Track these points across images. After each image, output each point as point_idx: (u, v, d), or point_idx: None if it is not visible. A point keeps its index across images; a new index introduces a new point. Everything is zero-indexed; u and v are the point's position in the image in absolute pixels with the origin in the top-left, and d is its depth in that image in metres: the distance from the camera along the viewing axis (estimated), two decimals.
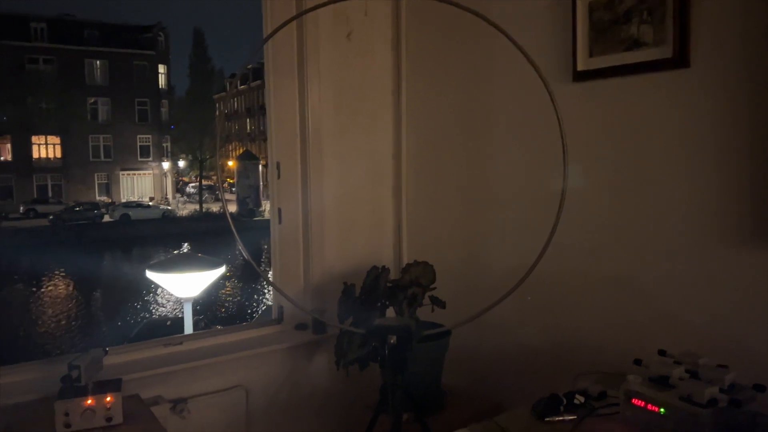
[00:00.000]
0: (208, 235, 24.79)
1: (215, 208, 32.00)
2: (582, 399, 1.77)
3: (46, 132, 29.76)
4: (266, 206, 31.90)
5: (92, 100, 31.28)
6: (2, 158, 29.51)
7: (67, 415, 1.90)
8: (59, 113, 28.67)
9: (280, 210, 3.07)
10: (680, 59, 2.01)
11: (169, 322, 13.93)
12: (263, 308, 15.79)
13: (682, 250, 2.11)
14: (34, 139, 29.94)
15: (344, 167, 3.11)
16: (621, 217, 2.28)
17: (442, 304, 2.54)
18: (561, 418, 1.70)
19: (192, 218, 29.47)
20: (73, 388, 1.94)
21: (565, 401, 1.74)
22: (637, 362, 1.73)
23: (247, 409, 2.86)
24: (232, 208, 31.67)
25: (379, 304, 2.50)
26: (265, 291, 17.75)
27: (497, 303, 2.20)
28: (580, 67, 2.31)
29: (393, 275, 2.75)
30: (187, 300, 5.13)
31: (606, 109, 2.32)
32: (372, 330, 1.94)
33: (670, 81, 2.09)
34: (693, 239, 2.08)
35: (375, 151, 3.22)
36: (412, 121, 3.19)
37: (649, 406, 1.59)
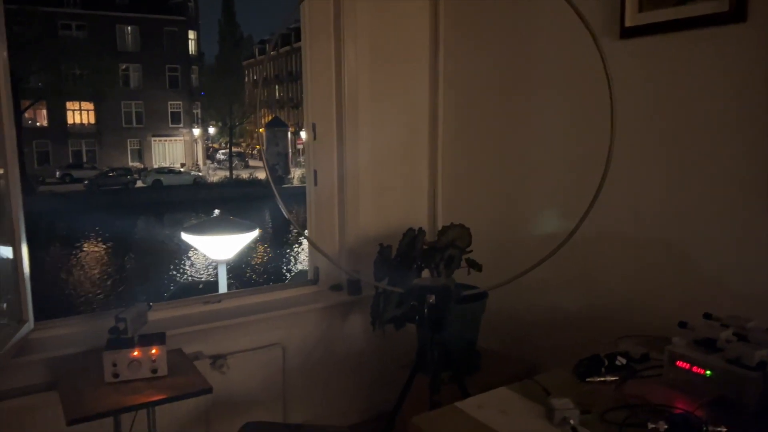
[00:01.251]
0: (238, 202, 25.10)
1: (245, 174, 32.22)
2: (624, 361, 1.75)
3: (79, 98, 30.19)
4: (295, 173, 32.07)
5: (124, 66, 31.56)
6: (38, 124, 30.13)
7: (114, 365, 1.96)
8: (92, 79, 29.00)
9: (315, 172, 3.07)
10: (737, 13, 1.92)
11: (201, 286, 14.25)
12: (292, 274, 16.01)
13: (729, 213, 2.05)
14: (69, 105, 30.45)
15: (380, 128, 3.09)
16: (667, 178, 2.22)
17: (478, 267, 2.53)
18: (603, 379, 1.69)
19: (222, 185, 29.77)
20: (120, 340, 1.99)
21: (606, 362, 1.73)
22: (682, 325, 1.70)
23: (283, 366, 2.92)
24: (261, 175, 31.90)
25: (415, 265, 2.50)
26: (293, 257, 17.97)
27: (537, 265, 2.19)
28: (628, 23, 2.22)
29: (428, 237, 2.75)
30: (221, 262, 5.21)
31: (653, 68, 2.24)
32: (411, 289, 1.94)
33: (724, 36, 2.00)
34: (741, 202, 2.02)
35: (411, 111, 3.18)
36: (449, 81, 3.13)
37: (695, 369, 1.57)
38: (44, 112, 30.47)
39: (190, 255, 17.14)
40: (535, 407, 1.56)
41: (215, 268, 15.40)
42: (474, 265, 2.52)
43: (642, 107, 2.27)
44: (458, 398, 1.71)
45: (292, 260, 17.69)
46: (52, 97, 29.10)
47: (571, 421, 1.42)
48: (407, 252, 2.53)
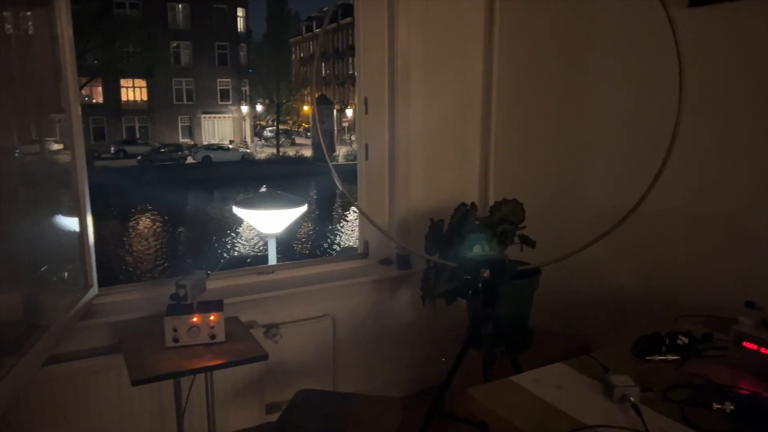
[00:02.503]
0: (284, 178, 25.42)
1: (291, 152, 32.57)
2: (686, 340, 1.70)
3: (133, 75, 31.00)
4: (340, 151, 32.18)
5: (175, 44, 32.12)
6: (94, 101, 31.11)
7: (175, 330, 2.03)
8: (144, 57, 29.70)
9: (367, 146, 3.07)
10: None
11: (249, 260, 14.59)
12: (337, 250, 16.19)
13: None
14: (123, 82, 31.26)
15: (432, 102, 3.05)
16: (732, 152, 2.12)
17: (531, 243, 2.50)
18: (663, 358, 1.65)
19: (269, 161, 30.16)
20: (180, 306, 2.06)
21: (667, 341, 1.68)
22: (750, 305, 1.64)
23: (334, 337, 2.97)
24: (307, 152, 32.17)
25: (465, 240, 2.48)
26: (336, 233, 18.14)
27: (594, 242, 2.14)
28: None
29: (480, 213, 2.72)
30: (270, 236, 5.31)
31: (723, 37, 2.13)
32: (464, 264, 1.93)
33: None
34: None
35: (464, 84, 3.13)
36: (504, 51, 3.06)
37: (762, 350, 1.51)
38: (100, 89, 31.40)
39: (238, 230, 17.52)
40: (592, 383, 1.54)
41: (262, 242, 15.76)
42: (527, 242, 2.48)
43: (708, 78, 2.16)
44: (510, 373, 1.70)
45: (337, 237, 17.86)
46: (107, 75, 29.93)
47: (632, 399, 1.39)
48: (459, 227, 2.51)
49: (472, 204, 2.52)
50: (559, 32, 2.77)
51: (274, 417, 2.83)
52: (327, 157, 2.57)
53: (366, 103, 3.00)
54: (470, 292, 1.96)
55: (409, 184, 3.07)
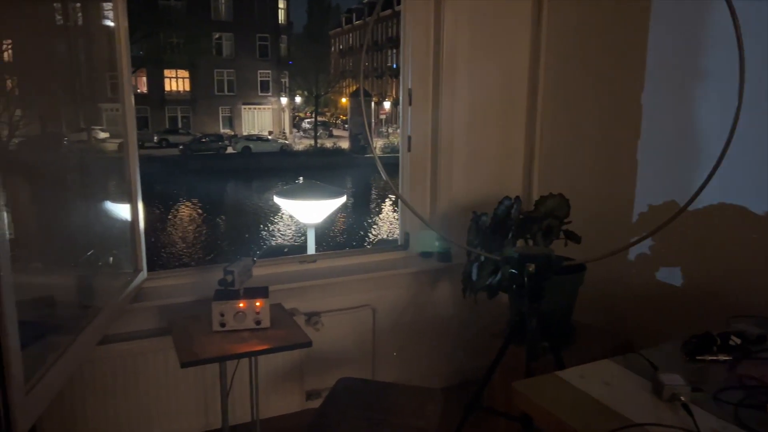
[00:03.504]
0: (321, 170, 25.59)
1: (329, 143, 32.75)
2: (738, 341, 1.65)
3: (176, 66, 31.64)
4: (377, 143, 32.19)
5: (217, 36, 32.63)
6: (139, 91, 31.87)
7: (222, 315, 2.08)
8: (188, 48, 30.29)
9: (410, 137, 3.07)
10: None
11: (286, 249, 14.78)
12: (373, 242, 16.24)
13: None
14: (166, 72, 31.92)
15: (476, 93, 3.03)
16: None
17: (577, 239, 2.46)
18: (714, 358, 1.61)
19: (307, 153, 30.38)
20: (227, 291, 2.11)
21: (719, 341, 1.64)
22: None
23: (373, 327, 3.00)
24: (344, 144, 32.29)
25: (510, 235, 2.46)
26: (372, 226, 18.19)
27: (643, 239, 2.10)
28: None
29: (523, 207, 2.69)
30: (310, 226, 5.37)
31: None
32: (509, 258, 1.91)
33: None
34: None
35: (509, 76, 3.10)
36: (552, 44, 3.01)
37: None
38: (144, 79, 32.12)
39: (275, 220, 17.75)
40: (640, 381, 1.51)
41: (298, 232, 15.91)
42: (572, 237, 2.45)
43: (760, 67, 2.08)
44: (552, 369, 1.68)
45: (372, 230, 17.92)
46: (151, 65, 30.58)
47: (682, 398, 1.37)
48: (502, 221, 2.50)
49: (517, 197, 2.50)
50: (608, 25, 2.72)
51: (314, 404, 2.89)
52: (373, 149, 2.59)
53: (410, 95, 3.00)
54: (514, 286, 1.94)
55: (452, 177, 3.06)
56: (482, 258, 2.43)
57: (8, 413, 1.34)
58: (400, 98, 3.09)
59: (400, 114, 3.13)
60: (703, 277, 2.34)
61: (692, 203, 2.00)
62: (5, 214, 1.35)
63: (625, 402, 1.41)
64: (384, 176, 2.29)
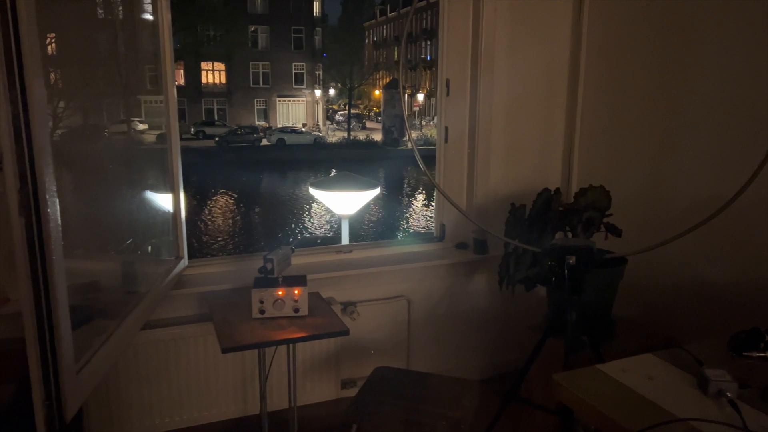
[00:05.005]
0: (354, 162, 25.67)
1: (362, 136, 32.82)
2: None
3: (213, 59, 32.14)
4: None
5: (253, 29, 32.98)
6: (176, 83, 32.34)
7: (261, 302, 2.11)
8: (224, 40, 30.74)
9: (447, 128, 3.06)
10: None
11: (318, 240, 14.91)
12: (405, 235, 16.25)
13: None
14: (203, 65, 32.48)
15: (515, 84, 3.00)
16: None
17: (617, 232, 2.42)
18: (762, 354, 1.57)
19: (340, 145, 30.51)
20: (266, 279, 2.14)
21: (767, 337, 1.60)
22: None
23: (408, 318, 3.00)
24: (377, 137, 32.31)
25: (549, 227, 2.43)
26: (404, 219, 18.16)
27: (687, 232, 2.04)
28: None
29: (563, 199, 2.65)
30: (344, 217, 5.40)
31: None
32: (550, 249, 1.89)
33: None
34: None
35: (550, 66, 3.05)
36: (593, 33, 2.95)
37: None
38: (181, 71, 32.67)
39: (308, 212, 17.90)
40: (685, 376, 1.48)
41: (330, 223, 16.01)
42: (613, 230, 2.41)
43: None
44: (590, 363, 1.66)
45: (404, 223, 17.92)
46: (189, 58, 31.09)
47: (729, 394, 1.33)
48: (541, 213, 2.47)
49: (557, 189, 2.47)
50: (653, 13, 2.64)
51: (349, 392, 2.91)
52: (411, 141, 2.58)
53: (448, 86, 2.98)
54: (554, 278, 1.92)
55: (489, 168, 3.04)
56: (520, 250, 2.41)
57: (59, 394, 1.39)
58: (437, 89, 3.08)
59: (438, 105, 3.12)
60: (749, 272, 2.27)
61: (742, 195, 1.94)
62: (57, 201, 1.40)
63: (668, 397, 1.39)
64: (422, 166, 2.29)
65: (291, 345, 2.25)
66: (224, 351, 1.91)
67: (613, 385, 1.46)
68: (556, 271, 1.90)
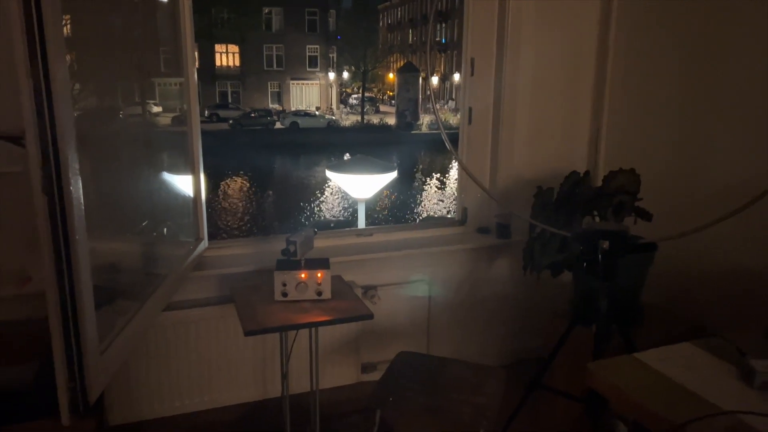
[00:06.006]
0: (368, 146, 25.55)
1: (375, 119, 32.65)
2: None
3: (226, 41, 32.03)
4: (424, 120, 31.91)
5: (266, 11, 32.77)
6: None
7: (284, 285, 2.08)
8: (238, 23, 30.58)
9: (470, 109, 2.98)
10: None
11: (332, 225, 14.89)
12: (419, 219, 16.20)
13: None
14: (217, 47, 32.40)
15: (541, 63, 2.91)
16: None
17: (648, 216, 2.35)
18: None
19: (353, 129, 30.37)
20: (289, 262, 2.10)
21: None
22: None
23: (429, 302, 2.96)
24: (391, 120, 32.11)
25: (577, 211, 2.37)
26: (417, 203, 18.09)
27: (723, 219, 1.97)
28: None
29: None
30: (361, 200, 5.36)
31: None
32: (581, 234, 1.83)
33: None
34: None
35: (577, 44, 2.95)
36: (624, 9, 2.85)
37: None
38: (196, 54, 32.59)
39: (322, 196, 17.88)
40: (726, 366, 1.43)
41: (342, 207, 15.97)
42: (643, 215, 2.34)
43: None
44: (619, 352, 1.61)
45: (417, 207, 17.87)
46: (202, 40, 31.00)
47: None
48: (569, 196, 2.40)
49: (586, 172, 2.40)
50: None
51: (369, 377, 2.89)
52: (440, 122, 2.52)
53: (472, 65, 2.90)
54: (585, 264, 1.86)
55: (513, 150, 2.97)
56: (547, 234, 2.35)
57: (83, 377, 1.37)
58: (462, 68, 3.00)
59: (461, 85, 3.05)
60: None
61: None
62: (80, 180, 1.36)
63: (710, 387, 1.34)
64: (448, 145, 2.23)
65: (313, 329, 2.22)
66: (247, 334, 1.88)
67: (652, 374, 1.41)
68: (587, 257, 1.84)
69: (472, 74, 2.92)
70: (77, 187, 1.34)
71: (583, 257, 1.85)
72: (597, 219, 2.36)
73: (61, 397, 1.34)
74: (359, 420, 2.65)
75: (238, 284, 2.30)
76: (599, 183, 2.45)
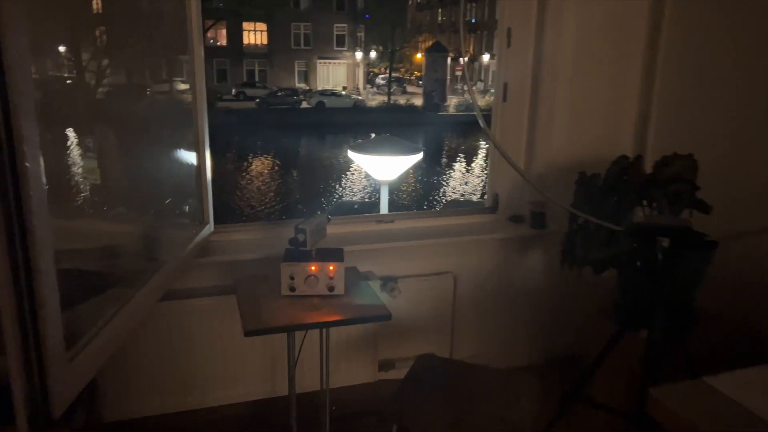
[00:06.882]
0: (393, 127, 25.15)
1: (402, 100, 32.16)
2: None
3: (254, 19, 31.77)
4: (451, 101, 31.39)
5: None
6: (219, 43, 32.25)
7: (292, 278, 1.85)
8: (266, 1, 30.28)
9: (506, 85, 2.70)
10: None
11: (356, 206, 14.67)
12: (443, 203, 15.89)
13: None
14: (245, 25, 32.16)
15: (585, 33, 2.60)
16: None
17: (706, 209, 2.05)
18: None
19: (380, 109, 29.93)
20: (298, 252, 1.87)
21: None
22: None
23: (454, 296, 2.72)
24: (417, 101, 31.61)
25: (626, 201, 2.08)
26: (443, 186, 17.75)
27: None
28: None
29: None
30: (384, 183, 5.10)
31: None
32: (636, 228, 1.56)
33: None
34: None
35: (627, 13, 2.63)
36: None
37: None
38: (224, 32, 32.42)
39: (347, 176, 17.67)
40: None
41: (368, 188, 15.75)
42: (702, 207, 2.04)
43: None
44: (677, 363, 1.35)
45: (442, 190, 17.55)
46: (231, 18, 30.81)
47: None
48: (616, 183, 2.11)
49: (638, 156, 2.11)
50: None
51: (387, 375, 2.67)
52: (474, 101, 2.24)
53: (509, 35, 2.61)
54: (638, 262, 1.59)
55: (552, 131, 2.68)
56: (592, 226, 2.07)
57: (45, 385, 1.16)
58: (497, 40, 2.71)
59: (497, 58, 2.76)
60: None
61: None
62: (41, 158, 1.14)
63: None
64: (482, 124, 1.97)
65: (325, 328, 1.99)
66: (247, 334, 1.67)
67: (728, 405, 1.15)
68: (641, 254, 1.57)
69: (508, 45, 2.64)
70: (36, 163, 1.12)
71: (637, 254, 1.58)
72: (647, 211, 2.07)
73: (18, 410, 1.14)
74: (374, 422, 2.43)
75: (242, 274, 2.09)
76: (649, 170, 2.16)
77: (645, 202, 2.09)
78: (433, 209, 14.20)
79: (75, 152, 2.04)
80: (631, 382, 2.17)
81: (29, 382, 1.14)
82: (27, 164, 1.08)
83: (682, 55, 2.59)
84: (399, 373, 2.70)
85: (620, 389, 2.22)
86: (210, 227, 2.40)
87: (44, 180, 1.15)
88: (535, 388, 1.81)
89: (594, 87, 2.69)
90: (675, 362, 1.85)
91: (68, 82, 2.00)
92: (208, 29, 30.06)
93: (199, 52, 2.26)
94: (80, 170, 2.14)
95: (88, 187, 2.17)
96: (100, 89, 2.11)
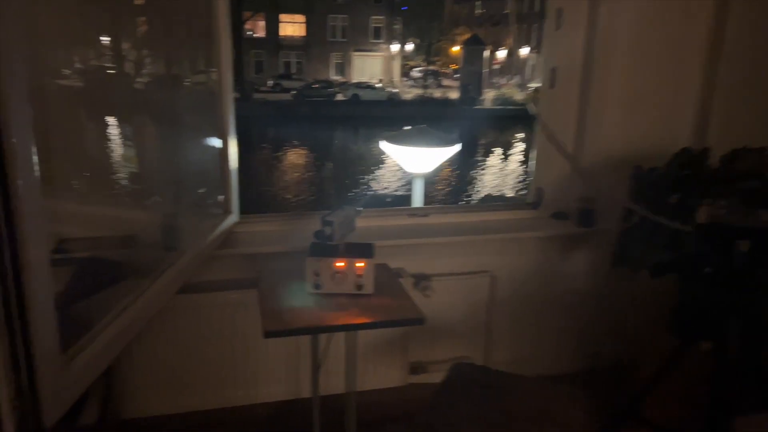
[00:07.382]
0: (428, 121, 24.86)
1: (437, 93, 31.79)
2: None
3: (292, 11, 31.81)
4: (487, 95, 30.92)
5: None
6: (256, 35, 32.41)
7: (317, 275, 1.70)
8: None
9: (554, 70, 2.50)
10: None
11: (389, 199, 14.48)
12: (479, 198, 15.63)
13: None
14: (282, 17, 32.23)
15: (643, 14, 2.38)
16: None
17: None
18: None
19: (415, 103, 29.59)
20: (325, 246, 1.71)
21: None
22: None
23: (490, 297, 2.54)
24: (453, 94, 31.19)
25: (691, 198, 1.86)
26: (477, 182, 17.43)
27: None
28: None
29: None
30: (418, 176, 4.92)
31: None
32: (708, 228, 1.36)
33: None
34: None
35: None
36: None
37: None
38: (261, 23, 32.57)
39: (379, 170, 17.54)
40: None
41: (403, 182, 15.57)
42: None
43: None
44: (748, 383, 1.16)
45: (477, 186, 17.26)
46: (269, 9, 30.93)
47: None
48: (679, 179, 1.90)
49: (704, 149, 1.89)
50: None
51: (419, 378, 2.52)
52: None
53: (558, 15, 2.41)
54: (707, 268, 1.39)
55: (603, 120, 2.47)
56: (650, 225, 1.86)
57: (35, 390, 1.03)
58: (545, 22, 2.50)
59: (544, 41, 2.55)
60: None
61: None
62: (32, 136, 1.01)
63: None
64: (531, 111, 1.77)
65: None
66: (266, 336, 1.52)
67: None
68: (713, 260, 1.37)
69: (558, 27, 2.43)
70: (26, 145, 0.98)
71: (708, 258, 1.38)
72: (713, 210, 1.85)
73: (5, 416, 1.02)
74: (403, 429, 2.27)
75: (266, 268, 1.95)
76: (716, 164, 1.94)
77: (710, 200, 1.87)
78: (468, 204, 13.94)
79: (116, 140, 2.01)
80: (686, 401, 1.97)
81: (17, 388, 1.01)
82: (14, 141, 0.95)
83: (749, 42, 2.34)
84: (431, 377, 2.55)
85: (673, 408, 2.01)
86: (234, 217, 2.27)
87: (34, 162, 1.02)
88: (582, 404, 1.63)
89: (651, 72, 2.46)
90: (742, 381, 1.64)
91: (108, 72, 2.00)
92: (246, 21, 30.22)
93: (226, 39, 2.14)
94: (120, 158, 2.11)
95: (125, 176, 2.15)
96: (138, 79, 2.11)
